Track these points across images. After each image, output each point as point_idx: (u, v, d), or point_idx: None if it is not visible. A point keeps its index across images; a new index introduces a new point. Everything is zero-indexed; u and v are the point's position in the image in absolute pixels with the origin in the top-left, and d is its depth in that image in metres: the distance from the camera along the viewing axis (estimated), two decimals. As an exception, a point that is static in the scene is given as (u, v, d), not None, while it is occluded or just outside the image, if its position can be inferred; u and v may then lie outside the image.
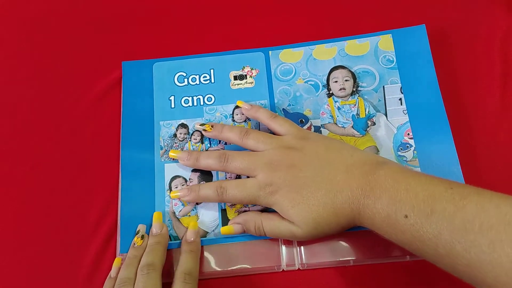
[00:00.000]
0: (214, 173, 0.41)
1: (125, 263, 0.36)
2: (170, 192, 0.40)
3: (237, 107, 0.43)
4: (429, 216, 0.29)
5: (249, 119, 0.43)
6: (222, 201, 0.39)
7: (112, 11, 0.50)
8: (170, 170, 0.41)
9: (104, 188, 0.42)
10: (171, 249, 0.38)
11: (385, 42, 0.44)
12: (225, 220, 0.39)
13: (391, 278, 0.37)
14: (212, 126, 0.40)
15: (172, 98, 0.44)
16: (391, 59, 0.44)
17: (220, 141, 0.42)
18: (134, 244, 0.38)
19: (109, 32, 0.49)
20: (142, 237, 0.38)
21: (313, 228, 0.34)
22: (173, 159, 0.41)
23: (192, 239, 0.38)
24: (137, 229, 0.39)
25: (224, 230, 0.38)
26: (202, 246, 0.38)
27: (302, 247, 0.38)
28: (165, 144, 0.42)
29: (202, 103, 0.44)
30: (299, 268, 0.38)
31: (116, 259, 0.38)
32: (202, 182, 0.40)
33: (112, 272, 0.37)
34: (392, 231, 0.31)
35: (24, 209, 0.42)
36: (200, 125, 0.41)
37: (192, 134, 0.43)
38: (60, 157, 0.43)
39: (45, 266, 0.40)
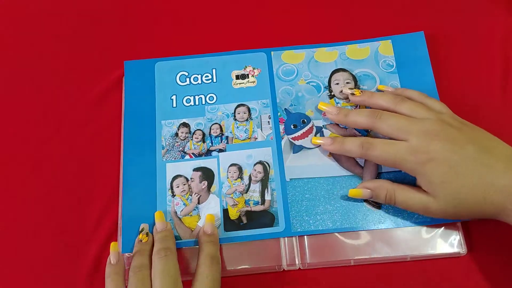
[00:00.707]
0: (216, 173, 0.41)
1: (136, 253, 0.36)
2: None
3: (238, 106, 0.43)
4: None
5: (250, 119, 0.43)
6: (363, 157, 0.37)
7: (114, 10, 0.50)
8: (172, 169, 0.41)
9: (105, 187, 0.41)
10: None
11: (385, 47, 0.45)
12: (226, 220, 0.39)
13: (391, 278, 0.38)
14: (361, 92, 0.39)
15: (173, 97, 0.44)
16: (391, 63, 0.44)
17: (221, 140, 0.42)
18: (141, 240, 0.37)
19: (111, 31, 0.49)
20: (147, 234, 0.37)
21: (452, 207, 0.33)
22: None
23: (210, 231, 0.37)
24: (141, 228, 0.38)
25: (353, 192, 0.37)
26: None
27: (303, 247, 0.38)
28: (167, 143, 0.42)
29: (204, 102, 0.44)
30: (300, 268, 0.38)
31: (112, 243, 0.36)
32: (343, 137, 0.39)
33: (112, 258, 0.35)
34: None
35: (25, 209, 0.41)
36: (349, 89, 0.40)
37: (193, 133, 0.43)
38: (61, 156, 0.43)
39: (45, 266, 0.39)
